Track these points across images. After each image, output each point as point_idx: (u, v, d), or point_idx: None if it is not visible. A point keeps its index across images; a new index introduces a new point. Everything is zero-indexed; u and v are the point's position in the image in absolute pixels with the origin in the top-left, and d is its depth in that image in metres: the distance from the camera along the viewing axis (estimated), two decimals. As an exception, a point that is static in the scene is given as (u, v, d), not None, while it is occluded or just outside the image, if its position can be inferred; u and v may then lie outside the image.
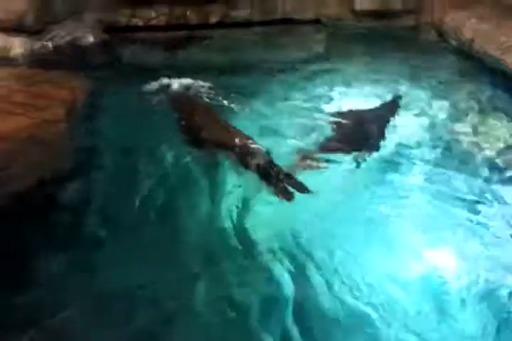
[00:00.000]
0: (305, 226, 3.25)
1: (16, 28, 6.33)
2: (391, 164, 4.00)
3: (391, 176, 3.84)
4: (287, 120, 4.70)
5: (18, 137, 3.79)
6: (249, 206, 3.48)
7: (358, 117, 4.72)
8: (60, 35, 6.58)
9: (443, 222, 3.32)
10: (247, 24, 7.30)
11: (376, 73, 5.87)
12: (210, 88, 5.26)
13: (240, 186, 3.71)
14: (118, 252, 3.10)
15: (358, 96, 5.26)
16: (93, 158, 4.15)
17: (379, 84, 5.54)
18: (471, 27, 6.38)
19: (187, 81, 5.37)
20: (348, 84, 5.56)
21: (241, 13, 7.29)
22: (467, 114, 4.92)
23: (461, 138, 4.41)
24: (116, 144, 4.34)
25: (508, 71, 5.38)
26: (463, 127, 4.63)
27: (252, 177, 3.75)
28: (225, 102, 4.98)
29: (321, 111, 4.90)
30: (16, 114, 4.03)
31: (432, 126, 4.64)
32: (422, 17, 7.28)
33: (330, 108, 4.98)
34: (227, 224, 3.30)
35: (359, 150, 4.12)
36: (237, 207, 3.47)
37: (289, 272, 2.87)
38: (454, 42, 6.65)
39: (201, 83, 5.33)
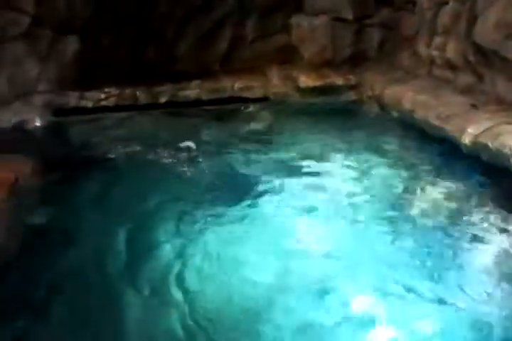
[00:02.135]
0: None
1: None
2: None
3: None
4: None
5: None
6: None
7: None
8: (6, 119, 6.56)
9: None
10: (196, 103, 7.51)
11: (320, 146, 6.04)
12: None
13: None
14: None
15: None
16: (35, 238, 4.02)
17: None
18: (410, 99, 6.72)
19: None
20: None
21: (190, 93, 7.51)
22: (411, 181, 5.03)
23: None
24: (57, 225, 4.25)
25: (449, 137, 5.59)
26: (406, 195, 4.71)
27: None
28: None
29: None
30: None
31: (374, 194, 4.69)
32: (364, 91, 7.66)
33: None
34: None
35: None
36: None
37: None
38: (395, 114, 6.96)
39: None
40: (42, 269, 3.56)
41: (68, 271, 3.62)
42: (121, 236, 4.07)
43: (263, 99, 7.87)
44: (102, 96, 7.13)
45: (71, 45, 7.26)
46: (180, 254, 3.78)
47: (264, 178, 5.14)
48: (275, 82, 8.00)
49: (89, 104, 7.09)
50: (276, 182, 5.04)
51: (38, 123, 6.72)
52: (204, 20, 8.48)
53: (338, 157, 5.68)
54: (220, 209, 4.50)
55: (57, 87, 7.08)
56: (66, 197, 4.86)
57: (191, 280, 3.44)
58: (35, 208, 4.55)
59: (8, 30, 6.58)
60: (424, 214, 4.32)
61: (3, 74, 6.62)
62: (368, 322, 2.95)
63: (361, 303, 3.13)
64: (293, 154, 5.85)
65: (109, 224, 4.25)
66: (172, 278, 3.45)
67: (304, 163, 5.60)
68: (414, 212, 4.38)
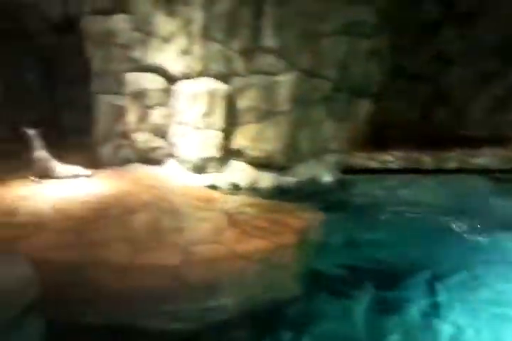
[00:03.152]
0: None
1: (266, 165, 7.30)
2: None
3: None
4: None
5: (255, 257, 4.12)
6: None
7: None
8: (302, 173, 7.29)
9: None
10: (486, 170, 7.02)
11: None
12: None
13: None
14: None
15: None
16: (322, 282, 4.19)
17: None
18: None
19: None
20: None
21: (480, 160, 7.07)
22: None
23: None
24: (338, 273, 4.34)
25: None
26: None
27: None
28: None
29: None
30: (255, 236, 4.42)
31: None
32: None
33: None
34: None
35: None
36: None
37: None
38: None
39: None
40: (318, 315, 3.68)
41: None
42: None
43: None
44: (389, 158, 7.29)
45: (364, 107, 7.69)
46: None
47: None
48: None
49: (376, 165, 7.32)
50: None
51: (328, 179, 7.24)
52: (498, 86, 8.04)
53: None
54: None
55: (348, 147, 7.55)
56: (350, 246, 4.97)
57: None
58: (321, 254, 4.77)
59: (313, 95, 7.36)
60: None
61: (304, 133, 7.39)
62: None
63: None
64: None
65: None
66: None
67: None
68: None
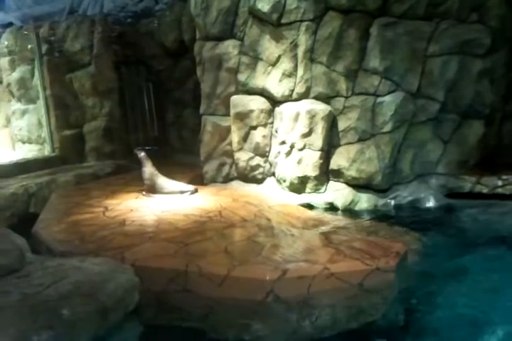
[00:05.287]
0: None
1: (365, 186, 7.20)
2: None
3: None
4: None
5: (349, 279, 4.05)
6: None
7: None
8: (403, 195, 7.07)
9: None
10: None
11: None
12: None
13: None
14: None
15: None
16: (417, 314, 4.01)
17: None
18: None
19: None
20: None
21: None
22: None
23: None
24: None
25: None
26: None
27: None
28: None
29: None
30: (351, 257, 4.35)
31: None
32: None
33: None
34: None
35: None
36: None
37: None
38: None
39: None
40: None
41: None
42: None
43: None
44: (499, 182, 6.81)
45: (475, 129, 7.32)
46: None
47: None
48: None
49: (485, 190, 6.88)
50: None
51: (431, 203, 6.95)
52: None
53: None
54: None
55: (455, 170, 7.20)
56: (452, 276, 4.69)
57: None
58: (419, 282, 4.56)
59: (419, 116, 7.15)
60: None
61: (407, 155, 7.18)
62: None
63: None
64: None
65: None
66: None
67: None
68: None
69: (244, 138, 7.98)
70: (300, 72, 7.37)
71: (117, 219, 5.94)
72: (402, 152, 7.18)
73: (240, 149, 8.05)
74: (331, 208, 7.19)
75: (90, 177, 9.14)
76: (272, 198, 7.23)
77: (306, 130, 7.20)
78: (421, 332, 3.80)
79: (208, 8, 7.94)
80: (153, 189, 7.29)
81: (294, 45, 7.33)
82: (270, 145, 7.93)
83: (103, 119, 10.76)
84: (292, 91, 7.51)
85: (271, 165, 7.95)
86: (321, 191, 7.43)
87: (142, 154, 7.37)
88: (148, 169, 7.31)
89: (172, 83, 11.21)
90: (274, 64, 7.57)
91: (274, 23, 7.39)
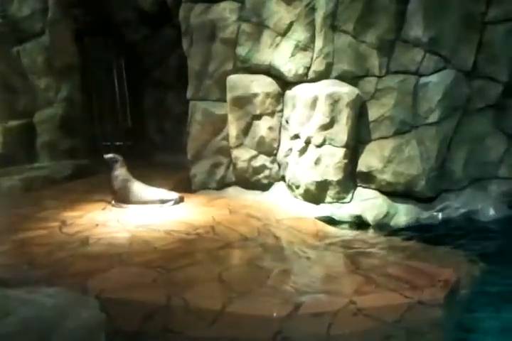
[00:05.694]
0: None
1: (404, 194, 7.19)
2: None
3: None
4: None
5: (383, 316, 4.04)
6: None
7: None
8: (454, 206, 7.08)
9: None
10: None
11: None
12: None
13: None
14: None
15: None
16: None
17: None
18: None
19: None
20: None
21: None
22: None
23: None
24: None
25: None
26: None
27: None
28: None
29: None
30: (385, 288, 4.36)
31: None
32: None
33: None
34: None
35: None
36: None
37: None
38: None
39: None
40: None
41: None
42: None
43: None
44: None
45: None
46: None
47: None
48: None
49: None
50: None
51: (491, 215, 6.96)
52: None
53: None
54: None
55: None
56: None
57: None
58: (475, 320, 4.56)
59: (475, 101, 7.15)
60: None
61: (459, 153, 7.20)
62: None
63: None
64: None
65: None
66: None
67: None
68: None
69: (245, 131, 8.00)
70: (318, 44, 7.39)
71: (78, 236, 5.95)
72: (452, 149, 7.20)
73: (239, 145, 8.07)
74: (359, 223, 7.21)
75: (43, 182, 9.17)
76: (281, 209, 7.25)
77: (327, 120, 7.22)
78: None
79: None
80: (125, 197, 7.30)
81: (311, 9, 7.35)
82: (279, 141, 7.94)
83: (60, 106, 10.81)
84: (308, 69, 7.52)
85: (279, 166, 7.96)
86: (345, 200, 7.44)
87: (111, 154, 7.39)
88: (120, 172, 7.32)
89: (150, 59, 11.24)
90: (284, 33, 7.59)
91: (285, -21, 7.45)
